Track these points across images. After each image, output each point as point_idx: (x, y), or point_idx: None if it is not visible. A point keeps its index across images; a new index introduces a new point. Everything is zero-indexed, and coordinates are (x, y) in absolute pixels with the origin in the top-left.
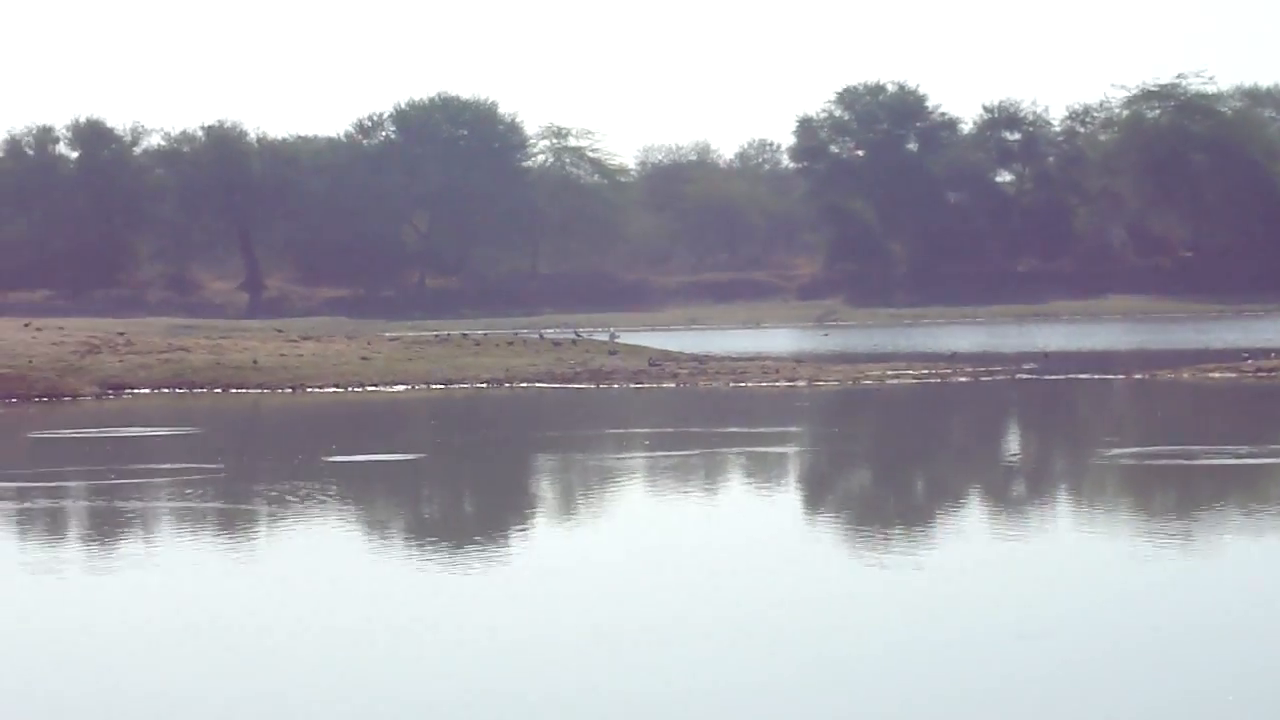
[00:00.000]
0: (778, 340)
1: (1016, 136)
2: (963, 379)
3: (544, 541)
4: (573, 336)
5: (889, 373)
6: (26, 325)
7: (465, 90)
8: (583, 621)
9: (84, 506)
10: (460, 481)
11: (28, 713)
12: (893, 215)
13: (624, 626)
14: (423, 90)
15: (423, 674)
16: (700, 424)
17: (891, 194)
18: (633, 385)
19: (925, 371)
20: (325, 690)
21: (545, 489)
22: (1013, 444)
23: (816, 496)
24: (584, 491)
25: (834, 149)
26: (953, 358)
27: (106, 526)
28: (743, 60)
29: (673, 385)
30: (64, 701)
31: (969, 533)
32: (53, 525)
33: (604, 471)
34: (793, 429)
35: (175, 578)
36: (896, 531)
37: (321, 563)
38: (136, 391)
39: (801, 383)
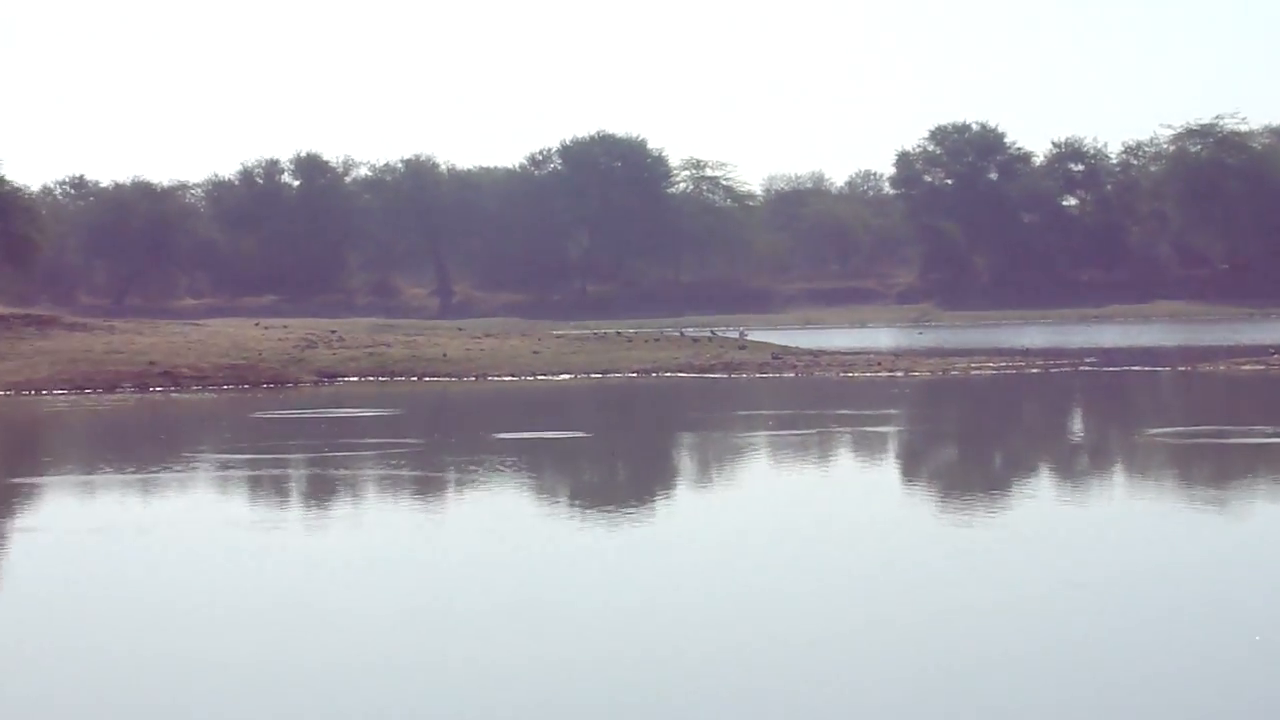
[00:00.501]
0: (879, 338)
1: (1080, 167)
2: (1034, 370)
3: (686, 507)
4: (708, 334)
5: (973, 365)
6: (257, 324)
7: (620, 128)
8: (720, 574)
9: (303, 473)
10: (616, 455)
11: (263, 633)
12: (976, 233)
13: (756, 581)
14: (584, 129)
15: (585, 623)
16: (815, 408)
17: (975, 215)
18: (758, 375)
19: (1003, 364)
20: (501, 626)
21: (687, 462)
22: (1075, 424)
23: (912, 468)
24: (719, 464)
25: (927, 178)
26: (1026, 353)
27: (321, 490)
28: (852, 102)
29: (792, 375)
30: (288, 624)
31: (1038, 498)
32: (277, 489)
33: (736, 447)
34: (892, 412)
35: (378, 534)
36: (978, 496)
37: (498, 522)
38: (346, 379)
39: (899, 373)
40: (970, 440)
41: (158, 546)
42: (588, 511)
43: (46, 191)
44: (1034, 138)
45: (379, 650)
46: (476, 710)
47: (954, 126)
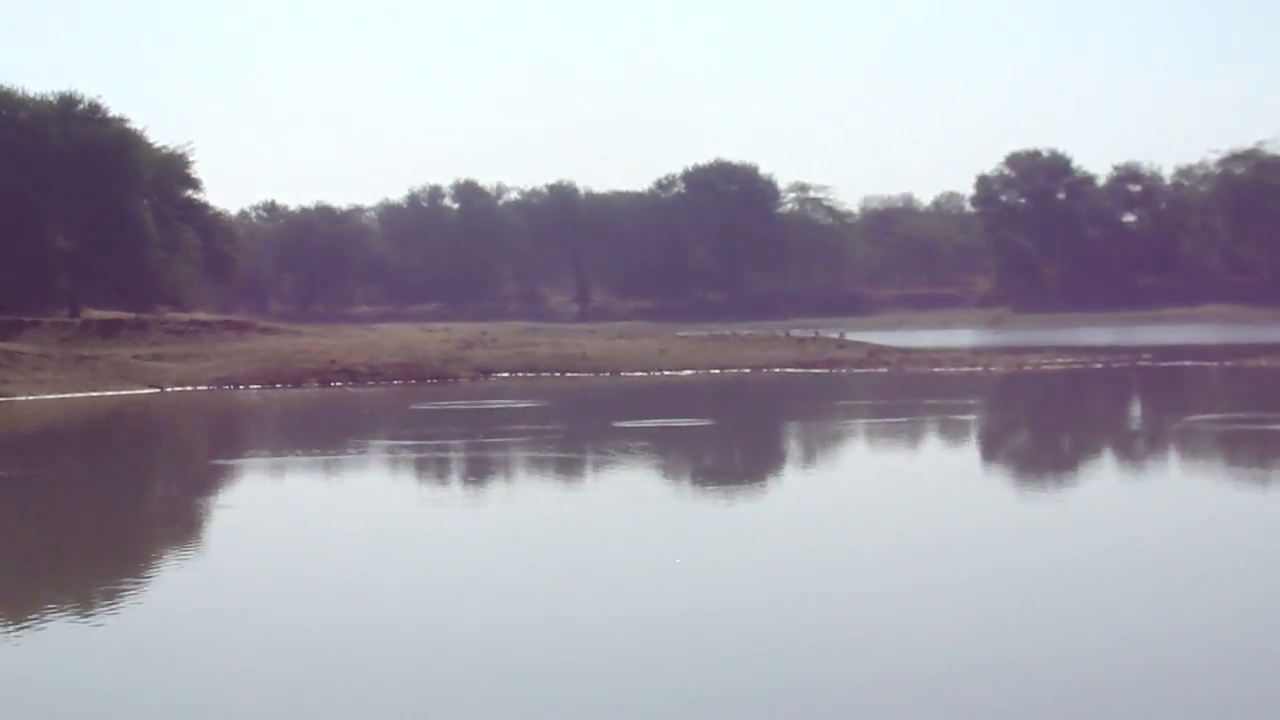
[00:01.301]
0: (961, 338)
1: (1138, 188)
2: (1098, 365)
3: (802, 483)
4: (812, 335)
5: (1043, 361)
6: (422, 328)
7: (735, 157)
8: (822, 542)
9: (463, 456)
10: (738, 439)
11: (429, 593)
12: (1046, 246)
13: (851, 545)
14: (704, 157)
15: (703, 584)
16: (906, 398)
17: (1045, 230)
18: (856, 370)
19: (1070, 360)
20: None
21: (795, 445)
22: (1134, 411)
23: (990, 449)
24: (824, 446)
25: (1003, 198)
26: (1090, 350)
27: (480, 470)
28: (938, 131)
29: (885, 370)
30: (453, 591)
31: (1100, 474)
32: (441, 469)
33: (838, 433)
34: (973, 401)
35: (527, 508)
36: (1047, 472)
37: (629, 497)
38: (499, 375)
39: (979, 368)
40: (1042, 425)
41: (338, 520)
42: (716, 486)
43: (243, 215)
44: (1097, 162)
45: (544, 605)
46: (645, 652)
47: (1027, 153)
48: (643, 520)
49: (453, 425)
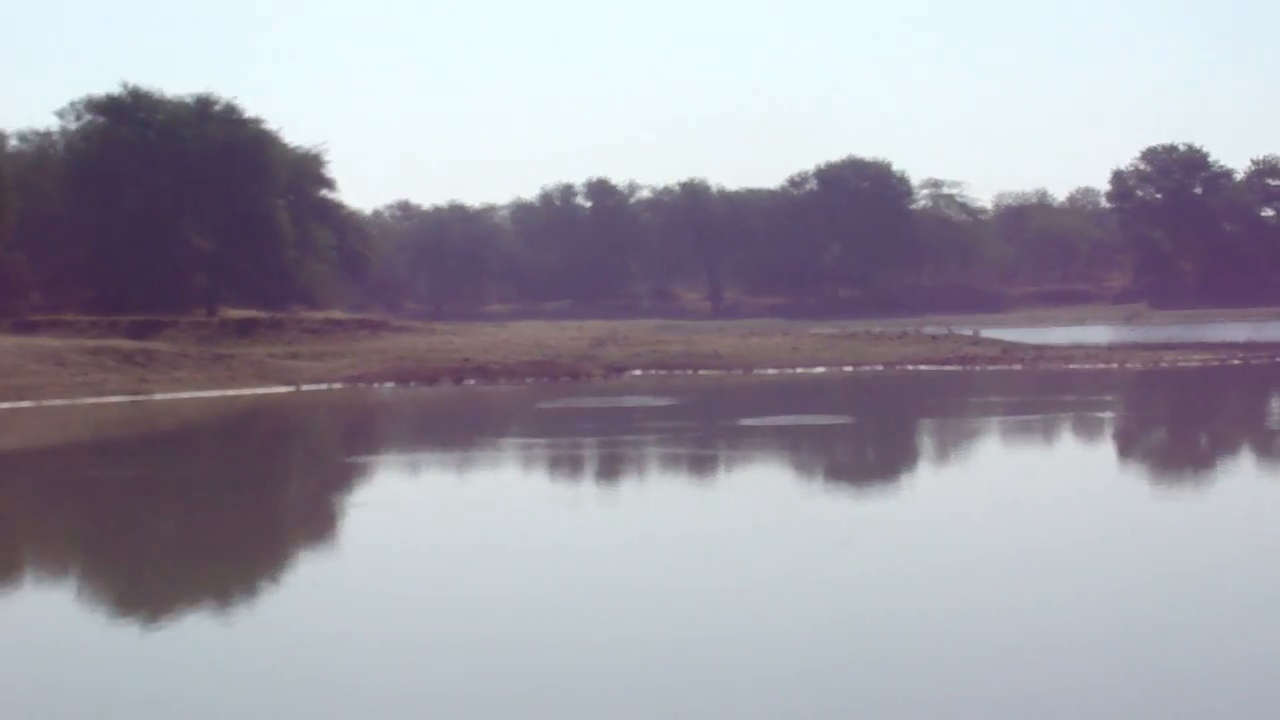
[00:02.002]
0: (1096, 334)
1: (1277, 183)
2: (1235, 362)
3: (930, 483)
4: (945, 332)
5: (1180, 358)
6: (554, 326)
7: (867, 153)
8: (957, 540)
9: (598, 453)
10: (877, 438)
11: (558, 590)
12: (1183, 241)
13: (990, 551)
14: (836, 154)
15: (822, 583)
16: (1039, 395)
17: (1181, 225)
18: (989, 367)
19: (1208, 356)
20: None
21: (927, 443)
22: (1271, 407)
23: (1126, 447)
24: (956, 445)
25: (1139, 193)
26: (1228, 346)
27: (615, 466)
28: (1073, 125)
29: (1019, 367)
30: (587, 588)
31: (1239, 473)
32: (575, 466)
33: (971, 430)
34: (1109, 398)
35: (658, 504)
36: (1186, 471)
37: (759, 495)
38: (631, 372)
39: (1114, 365)
40: (1180, 423)
41: (470, 517)
42: (855, 485)
43: (378, 214)
44: (1235, 157)
45: (675, 602)
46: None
47: (1163, 148)
48: (780, 519)
49: (585, 423)
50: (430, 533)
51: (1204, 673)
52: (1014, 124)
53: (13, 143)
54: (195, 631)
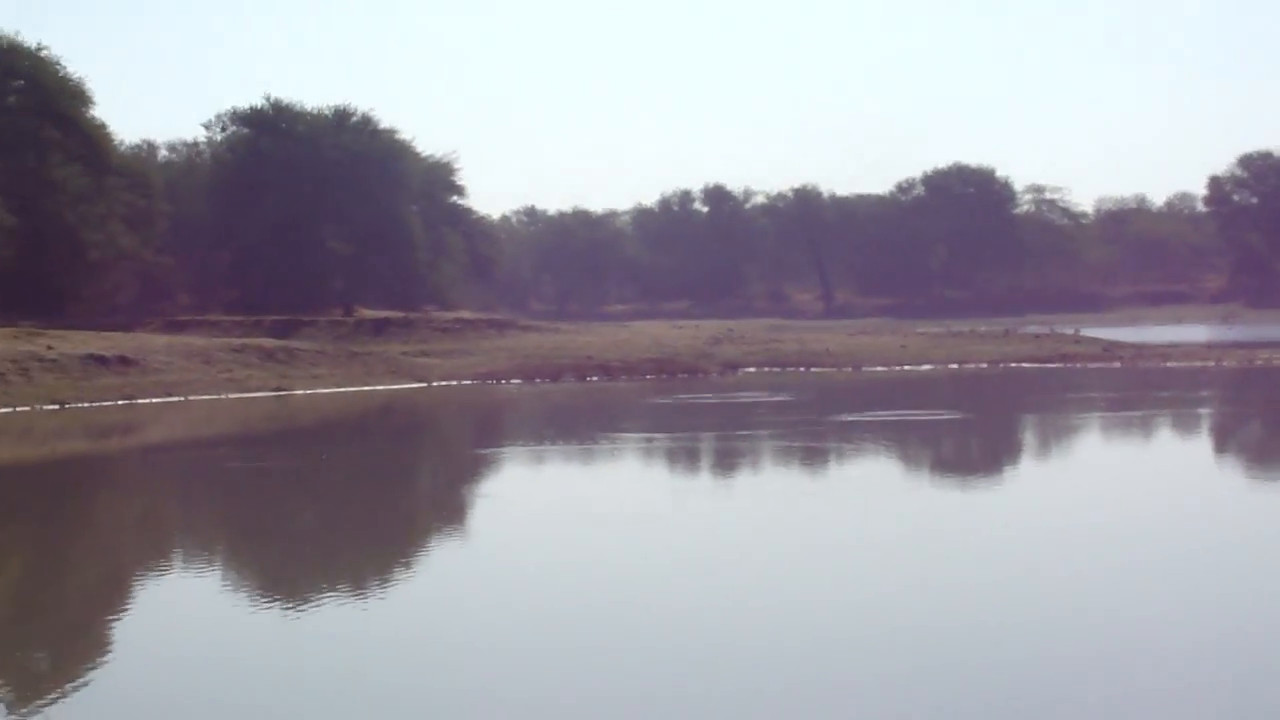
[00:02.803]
0: (1193, 333)
1: None
2: None
3: (1034, 475)
4: (1047, 330)
5: (1275, 356)
6: (672, 325)
7: (972, 159)
8: (1057, 524)
9: (714, 446)
10: (976, 431)
11: (678, 576)
12: (1278, 244)
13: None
14: (943, 160)
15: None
16: (1140, 391)
17: (1277, 229)
18: (1090, 365)
19: None
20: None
21: (1030, 438)
22: None
23: (1221, 442)
24: (1057, 440)
25: (1236, 198)
26: None
27: (731, 458)
28: (1172, 131)
29: (1118, 364)
30: (703, 574)
31: None
32: (692, 458)
33: (1071, 427)
34: (1205, 394)
35: (772, 498)
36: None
37: (865, 485)
38: (746, 369)
39: (1210, 363)
40: (1274, 419)
41: (592, 506)
42: (945, 478)
43: (505, 219)
44: None
45: (790, 586)
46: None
47: (1259, 154)
48: (890, 507)
49: (704, 417)
50: (552, 517)
51: None
52: (1114, 131)
53: (163, 153)
54: (334, 611)
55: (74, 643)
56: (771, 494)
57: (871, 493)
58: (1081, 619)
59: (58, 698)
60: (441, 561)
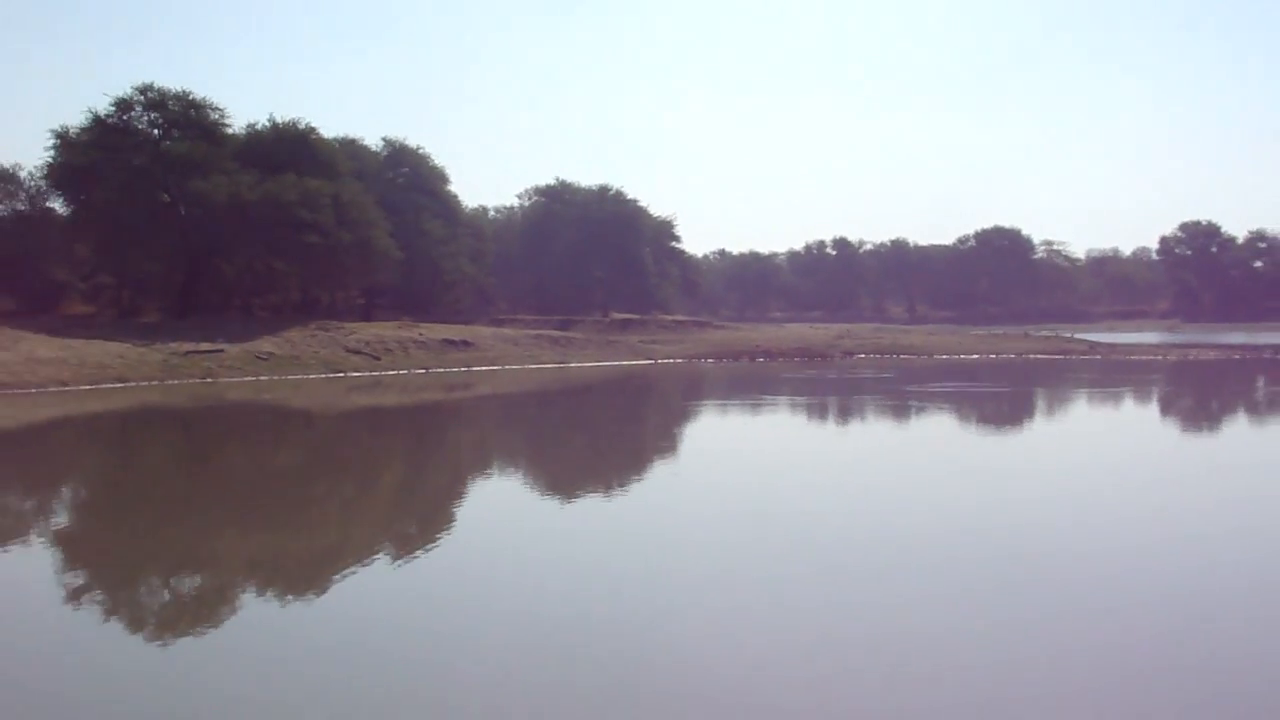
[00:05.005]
0: (1148, 337)
1: (1264, 244)
2: (1236, 356)
3: (1051, 420)
4: (1053, 334)
5: (1200, 353)
6: (810, 326)
7: (1005, 221)
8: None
9: (835, 402)
10: (1011, 397)
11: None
12: (1203, 280)
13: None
14: (988, 221)
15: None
16: (1113, 374)
17: (1203, 271)
18: (1080, 357)
19: (1217, 353)
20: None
21: (1048, 399)
22: (1260, 383)
23: (1167, 403)
24: (1066, 400)
25: (1177, 250)
26: (1231, 346)
27: (851, 410)
28: (1136, 206)
29: (1099, 357)
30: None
31: (1236, 424)
32: (821, 411)
33: (1074, 394)
34: (1155, 377)
35: (889, 430)
36: (1203, 423)
37: (931, 435)
38: (858, 356)
39: (1160, 357)
40: (1200, 394)
41: (761, 442)
42: (1019, 423)
43: (705, 256)
44: (1237, 225)
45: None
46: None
47: (1192, 222)
48: (954, 442)
49: (832, 385)
50: (735, 439)
51: None
52: (1099, 200)
53: (491, 213)
54: (583, 510)
55: (436, 515)
56: (886, 428)
57: (950, 432)
58: (1085, 501)
59: (439, 544)
60: (667, 469)
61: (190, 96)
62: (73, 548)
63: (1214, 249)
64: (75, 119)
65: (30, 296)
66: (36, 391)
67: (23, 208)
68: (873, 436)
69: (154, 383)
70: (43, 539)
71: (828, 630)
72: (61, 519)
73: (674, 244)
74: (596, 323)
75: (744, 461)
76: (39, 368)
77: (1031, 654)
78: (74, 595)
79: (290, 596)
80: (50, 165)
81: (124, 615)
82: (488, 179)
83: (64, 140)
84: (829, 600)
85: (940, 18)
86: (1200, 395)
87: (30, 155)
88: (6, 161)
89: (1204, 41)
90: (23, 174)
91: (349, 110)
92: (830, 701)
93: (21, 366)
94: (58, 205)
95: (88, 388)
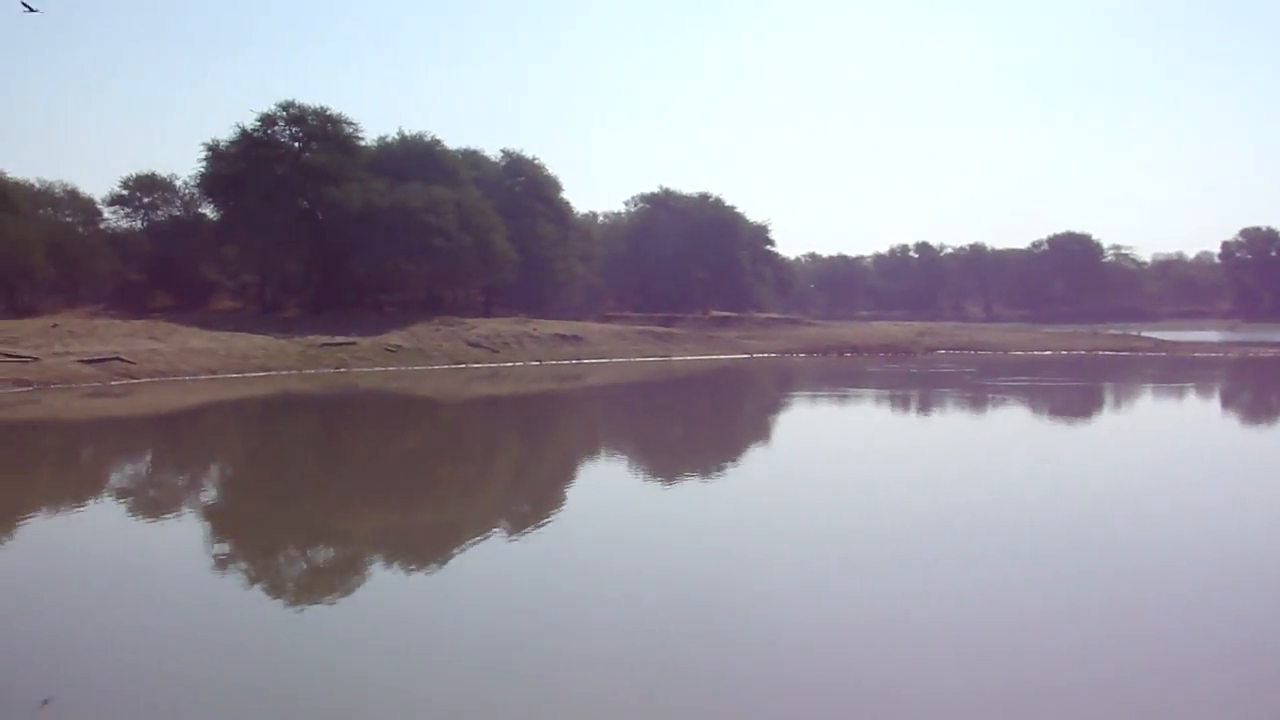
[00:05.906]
0: (1210, 336)
1: None
2: None
3: (1121, 411)
4: (1121, 332)
5: (1261, 351)
6: (894, 324)
7: (1077, 226)
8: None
9: (917, 394)
10: (1085, 390)
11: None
12: (1264, 282)
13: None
14: (1060, 227)
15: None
16: (1178, 370)
17: (1263, 273)
18: (1146, 354)
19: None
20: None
21: (1117, 394)
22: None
23: (1228, 397)
24: (1135, 394)
25: (1238, 255)
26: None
27: (931, 401)
28: (1201, 210)
29: (1164, 354)
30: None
31: None
32: (903, 402)
33: (1142, 389)
34: (1218, 373)
35: (948, 426)
36: (1262, 413)
37: (992, 424)
38: (939, 351)
39: (1221, 354)
40: (1259, 385)
41: (846, 431)
42: (1091, 414)
43: (797, 259)
44: None
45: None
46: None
47: (1253, 227)
48: (1023, 433)
49: (913, 378)
50: (825, 427)
51: None
52: (1166, 206)
53: (599, 218)
54: (679, 493)
55: (548, 495)
56: (968, 420)
57: (1026, 421)
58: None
59: (547, 520)
60: (759, 455)
61: (327, 112)
62: (220, 520)
63: (1273, 253)
64: (221, 132)
65: (184, 293)
66: (189, 379)
67: (178, 214)
68: (956, 429)
69: (293, 372)
70: (194, 511)
71: (909, 615)
72: (210, 494)
73: (768, 247)
74: (696, 319)
75: (834, 447)
76: (191, 357)
77: (1097, 640)
78: (221, 563)
79: (414, 566)
80: (202, 175)
81: (266, 581)
82: (598, 187)
83: (214, 152)
84: (917, 588)
85: (1018, 37)
86: (1263, 391)
87: (173, 164)
88: (164, 172)
89: (1267, 54)
90: (178, 183)
91: (472, 124)
92: (921, 684)
93: (176, 356)
94: (208, 211)
95: (234, 376)
